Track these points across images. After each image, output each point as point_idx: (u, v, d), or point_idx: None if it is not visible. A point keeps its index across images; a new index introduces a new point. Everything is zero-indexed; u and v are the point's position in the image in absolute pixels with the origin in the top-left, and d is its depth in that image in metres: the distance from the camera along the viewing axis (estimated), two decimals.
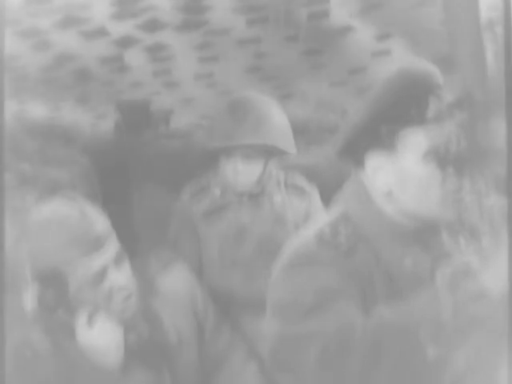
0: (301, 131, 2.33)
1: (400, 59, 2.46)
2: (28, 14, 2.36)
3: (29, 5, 2.35)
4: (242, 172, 2.20)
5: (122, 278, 1.82)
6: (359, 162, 1.66)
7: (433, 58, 1.72)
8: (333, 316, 1.54)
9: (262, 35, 2.55)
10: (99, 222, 1.82)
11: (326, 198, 1.80)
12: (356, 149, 1.65)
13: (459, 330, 1.55)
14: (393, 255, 1.62)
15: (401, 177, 1.61)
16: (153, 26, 2.55)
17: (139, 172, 2.41)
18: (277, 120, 2.20)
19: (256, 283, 2.17)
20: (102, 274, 1.80)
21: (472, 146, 1.61)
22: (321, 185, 2.31)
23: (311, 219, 2.24)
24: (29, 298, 1.83)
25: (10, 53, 2.05)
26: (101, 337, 1.79)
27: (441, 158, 1.58)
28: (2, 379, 1.86)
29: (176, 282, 1.94)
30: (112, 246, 1.82)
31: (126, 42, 2.56)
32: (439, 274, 1.58)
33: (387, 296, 1.59)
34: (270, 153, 2.21)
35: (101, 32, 2.52)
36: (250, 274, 2.20)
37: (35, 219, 1.84)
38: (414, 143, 1.60)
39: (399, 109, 1.59)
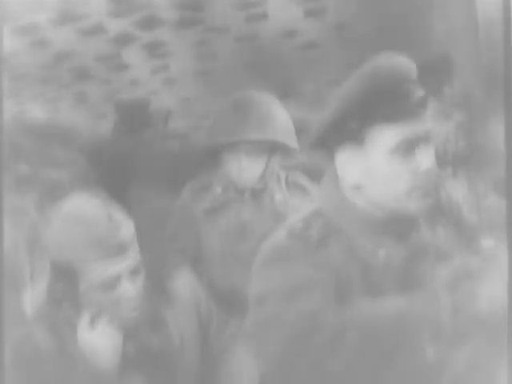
0: (300, 130, 2.33)
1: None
2: (25, 11, 2.35)
3: (26, 2, 2.34)
4: (245, 168, 2.21)
5: (133, 290, 1.82)
6: (330, 156, 1.67)
7: (432, 57, 1.72)
8: (305, 302, 1.57)
9: (261, 32, 2.54)
10: (125, 228, 1.82)
11: None
12: (327, 142, 1.66)
13: (458, 331, 1.55)
14: (366, 247, 1.63)
15: (369, 170, 1.63)
16: (150, 23, 2.54)
17: (138, 172, 2.41)
18: (279, 116, 2.22)
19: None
20: (115, 281, 1.80)
21: (470, 147, 1.61)
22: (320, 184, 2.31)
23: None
24: (36, 291, 1.84)
25: (7, 50, 2.05)
26: (99, 340, 1.80)
27: (440, 157, 1.59)
28: (2, 377, 1.86)
29: (182, 287, 1.94)
30: (132, 256, 1.82)
31: (123, 40, 2.55)
32: (438, 275, 1.59)
33: (364, 287, 1.60)
34: (273, 149, 2.22)
35: (98, 29, 2.51)
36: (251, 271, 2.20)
37: (64, 210, 1.85)
38: (383, 138, 1.60)
39: (369, 104, 1.60)
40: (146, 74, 2.57)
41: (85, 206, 1.84)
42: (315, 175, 2.35)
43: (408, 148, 1.59)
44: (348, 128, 1.62)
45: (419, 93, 1.59)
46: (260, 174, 2.23)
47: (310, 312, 1.56)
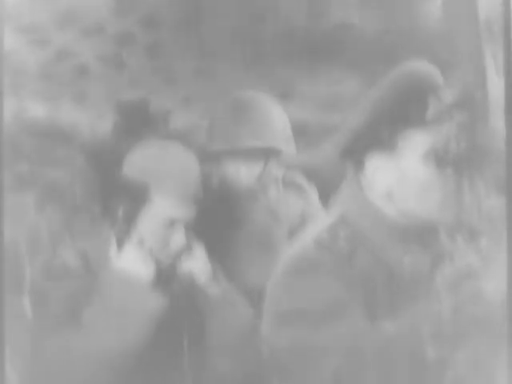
0: (301, 131, 2.33)
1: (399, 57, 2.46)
2: (27, 10, 2.35)
3: (28, 1, 2.34)
4: (243, 173, 2.22)
5: (180, 242, 1.91)
6: (359, 163, 1.66)
7: (432, 57, 1.72)
8: (344, 328, 1.55)
9: (262, 33, 2.54)
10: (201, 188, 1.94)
11: (326, 199, 1.80)
12: (357, 150, 1.65)
13: (459, 331, 1.55)
14: (392, 254, 1.62)
15: (401, 177, 1.62)
16: (151, 23, 2.54)
17: None
18: (278, 121, 2.22)
19: (248, 275, 2.18)
20: (172, 223, 1.89)
21: (471, 147, 1.61)
22: (320, 185, 2.32)
23: (307, 218, 2.26)
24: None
25: (8, 49, 2.05)
26: (136, 265, 1.86)
27: (440, 158, 1.58)
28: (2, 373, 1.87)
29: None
30: (194, 214, 1.91)
31: (124, 39, 2.55)
32: (439, 275, 1.58)
33: (389, 296, 1.60)
34: (270, 153, 2.22)
35: (99, 29, 2.51)
36: (243, 265, 2.20)
37: (163, 143, 2.00)
38: (415, 144, 1.60)
39: (400, 110, 1.60)
40: (147, 73, 2.57)
41: (184, 150, 1.97)
42: (312, 176, 2.36)
43: (439, 154, 1.59)
44: (379, 135, 1.61)
45: (448, 98, 1.59)
46: (257, 177, 2.24)
47: (346, 335, 1.55)
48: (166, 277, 1.91)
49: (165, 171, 1.90)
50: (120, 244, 1.88)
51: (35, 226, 2.08)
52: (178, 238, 1.90)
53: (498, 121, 1.85)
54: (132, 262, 1.85)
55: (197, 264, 1.93)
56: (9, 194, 1.96)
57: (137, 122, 2.38)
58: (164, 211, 1.88)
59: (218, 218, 2.16)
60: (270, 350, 1.62)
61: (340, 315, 1.55)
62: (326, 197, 1.82)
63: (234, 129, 2.19)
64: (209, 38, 2.54)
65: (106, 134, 2.37)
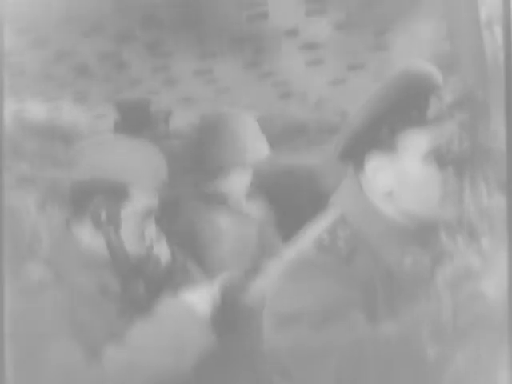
0: (301, 131, 2.34)
1: (398, 56, 2.46)
2: (27, 9, 2.35)
3: (28, 0, 2.34)
4: (235, 187, 2.28)
5: (154, 231, 1.95)
6: (359, 163, 1.66)
7: (432, 57, 1.72)
8: (344, 328, 1.55)
9: (262, 32, 2.54)
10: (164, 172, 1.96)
11: (325, 199, 1.80)
12: (357, 151, 1.65)
13: (459, 331, 1.55)
14: (392, 255, 1.62)
15: (401, 177, 1.62)
16: (152, 22, 2.54)
17: None
18: (249, 133, 2.29)
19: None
20: (147, 215, 1.92)
21: (472, 147, 1.61)
22: (320, 185, 2.32)
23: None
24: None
25: (8, 48, 2.05)
26: (202, 301, 1.85)
27: (441, 158, 1.58)
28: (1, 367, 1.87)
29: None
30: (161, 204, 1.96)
31: (124, 39, 2.56)
32: (440, 275, 1.59)
33: (389, 297, 1.60)
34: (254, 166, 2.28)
35: (99, 28, 2.51)
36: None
37: (130, 140, 2.01)
38: (415, 144, 1.60)
39: (400, 110, 1.60)
40: (147, 73, 2.57)
41: (143, 141, 1.99)
42: (312, 176, 2.37)
43: (440, 154, 1.59)
44: (379, 135, 1.61)
45: (449, 98, 1.59)
46: (246, 189, 2.30)
47: (346, 335, 1.55)
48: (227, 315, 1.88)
49: (139, 165, 1.92)
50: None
51: (35, 225, 2.09)
52: (152, 229, 1.93)
53: (498, 121, 1.85)
54: (199, 296, 1.82)
55: (163, 250, 1.98)
56: (9, 193, 1.96)
57: (137, 122, 2.39)
58: (142, 204, 1.90)
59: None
60: (271, 351, 1.62)
61: (340, 316, 1.55)
62: (325, 197, 1.82)
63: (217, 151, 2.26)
64: (209, 37, 2.54)
65: (107, 133, 2.37)
